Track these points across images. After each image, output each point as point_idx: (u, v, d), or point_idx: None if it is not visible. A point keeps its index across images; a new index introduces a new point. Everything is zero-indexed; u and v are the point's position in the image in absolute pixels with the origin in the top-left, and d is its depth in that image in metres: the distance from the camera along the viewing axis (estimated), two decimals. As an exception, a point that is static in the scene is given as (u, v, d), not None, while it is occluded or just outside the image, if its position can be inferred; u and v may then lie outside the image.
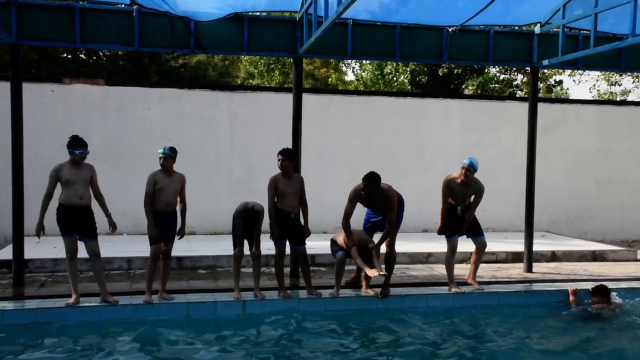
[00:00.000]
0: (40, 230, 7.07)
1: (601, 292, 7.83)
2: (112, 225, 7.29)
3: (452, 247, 8.25)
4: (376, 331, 7.12)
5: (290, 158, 7.80)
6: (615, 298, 7.96)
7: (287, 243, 7.86)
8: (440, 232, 8.37)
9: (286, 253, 7.93)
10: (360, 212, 8.17)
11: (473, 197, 8.34)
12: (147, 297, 7.41)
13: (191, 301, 7.55)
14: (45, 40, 8.60)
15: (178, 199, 7.54)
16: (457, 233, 8.29)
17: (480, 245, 8.41)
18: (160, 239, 7.41)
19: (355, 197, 7.83)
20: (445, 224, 8.31)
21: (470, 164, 8.13)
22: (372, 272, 7.40)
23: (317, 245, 10.36)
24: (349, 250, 7.71)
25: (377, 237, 8.04)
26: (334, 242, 8.06)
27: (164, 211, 7.41)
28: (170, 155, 7.41)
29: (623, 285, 8.61)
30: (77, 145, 7.07)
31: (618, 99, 23.99)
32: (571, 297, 8.07)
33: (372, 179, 7.61)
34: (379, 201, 7.83)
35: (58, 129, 11.15)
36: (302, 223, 7.90)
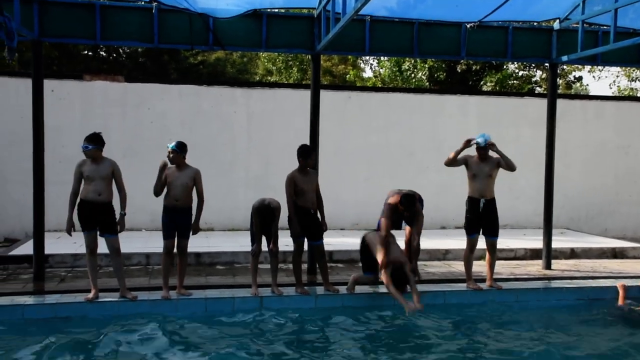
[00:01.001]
0: (70, 227, 7.14)
1: None
2: (121, 226, 7.29)
3: (472, 245, 8.19)
4: (393, 327, 7.10)
5: (303, 156, 7.78)
6: None
7: (305, 240, 7.87)
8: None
9: (304, 250, 7.93)
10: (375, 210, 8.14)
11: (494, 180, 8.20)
12: (164, 293, 7.46)
13: (209, 297, 7.57)
14: (66, 37, 8.67)
15: (194, 193, 7.54)
16: (478, 231, 8.20)
17: (490, 246, 8.22)
18: (171, 234, 7.44)
19: (391, 214, 7.78)
20: (467, 220, 8.22)
21: (484, 141, 8.00)
22: (409, 307, 7.10)
23: (334, 241, 10.40)
24: (382, 267, 7.48)
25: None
26: (364, 250, 7.95)
27: (172, 206, 7.42)
28: (175, 150, 7.41)
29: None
30: (85, 140, 7.12)
31: (639, 95, 23.72)
32: (620, 293, 7.87)
33: (411, 201, 7.68)
34: (410, 216, 7.90)
35: (78, 125, 11.27)
36: (320, 219, 7.91)
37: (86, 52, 23.08)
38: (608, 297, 8.09)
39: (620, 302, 7.82)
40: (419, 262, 9.82)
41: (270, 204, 7.56)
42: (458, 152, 8.10)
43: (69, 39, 8.94)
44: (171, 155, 7.43)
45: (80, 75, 12.23)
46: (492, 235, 8.19)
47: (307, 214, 7.75)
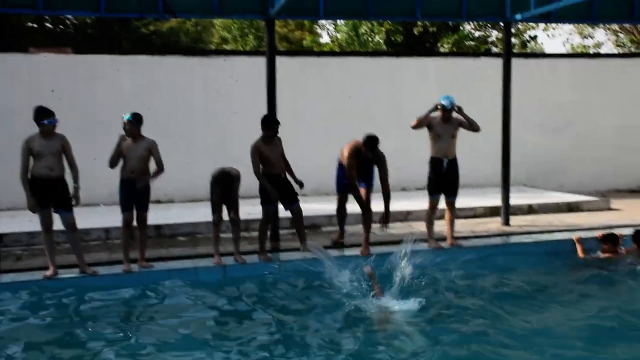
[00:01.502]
0: (33, 206, 6.95)
1: (611, 239, 7.90)
2: (76, 199, 7.15)
3: (433, 205, 8.29)
4: (358, 290, 7.12)
5: (266, 125, 7.79)
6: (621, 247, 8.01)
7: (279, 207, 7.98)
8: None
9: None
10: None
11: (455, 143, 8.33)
12: (125, 267, 7.38)
13: (172, 268, 7.55)
14: (6, 7, 8.36)
15: (152, 165, 7.43)
16: (440, 192, 8.27)
17: (450, 205, 8.34)
18: (129, 206, 7.35)
19: (353, 154, 7.95)
20: (429, 180, 8.30)
21: (450, 104, 8.09)
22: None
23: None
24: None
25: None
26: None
27: (129, 179, 7.31)
28: (131, 121, 7.29)
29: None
30: (44, 115, 6.91)
31: (591, 52, 24.08)
32: (578, 247, 8.13)
33: (374, 140, 7.86)
34: (372, 161, 7.94)
35: (26, 101, 10.91)
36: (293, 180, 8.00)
37: (31, 24, 22.37)
38: (566, 250, 8.31)
39: (580, 254, 8.05)
40: (378, 224, 9.95)
41: (230, 172, 7.51)
42: (427, 115, 8.15)
43: (10, 9, 8.60)
44: (127, 127, 7.30)
45: (26, 48, 11.81)
46: (451, 194, 8.29)
47: (278, 180, 7.81)
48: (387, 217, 8.01)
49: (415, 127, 8.20)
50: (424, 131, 8.36)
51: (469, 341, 5.38)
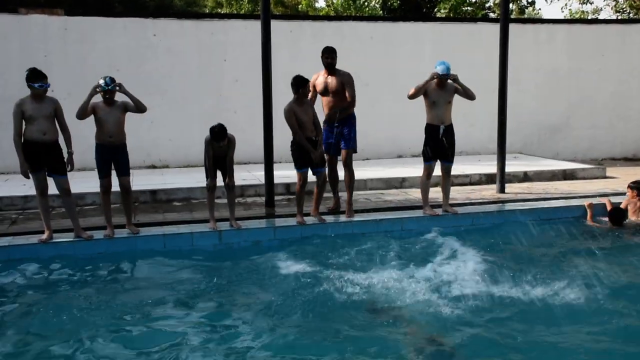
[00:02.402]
0: (26, 170, 6.88)
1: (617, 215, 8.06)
2: (70, 164, 7.09)
3: (429, 171, 8.27)
4: (352, 254, 7.18)
5: (298, 86, 7.81)
6: None
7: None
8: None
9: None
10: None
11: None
12: (107, 232, 7.35)
13: (167, 233, 7.53)
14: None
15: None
16: (436, 158, 8.26)
17: (445, 171, 8.32)
18: (107, 172, 7.28)
19: (312, 81, 8.10)
20: (425, 147, 8.27)
21: (446, 69, 8.01)
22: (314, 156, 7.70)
23: (292, 174, 10.33)
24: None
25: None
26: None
27: (107, 143, 7.22)
28: (110, 89, 7.16)
29: (595, 201, 8.76)
30: (35, 78, 6.80)
31: (589, 18, 23.88)
32: (588, 213, 8.30)
33: (332, 49, 7.98)
34: (337, 78, 7.96)
35: (16, 63, 10.80)
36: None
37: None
38: (561, 217, 8.44)
39: (589, 220, 8.17)
40: (377, 192, 9.98)
41: (222, 125, 7.35)
42: (424, 85, 8.09)
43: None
44: (107, 96, 7.17)
45: (16, 9, 11.58)
46: (447, 160, 8.29)
47: (311, 143, 7.75)
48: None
49: (412, 97, 8.13)
50: (420, 97, 8.29)
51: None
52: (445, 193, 8.41)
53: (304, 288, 6.01)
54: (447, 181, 8.40)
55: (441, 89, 8.10)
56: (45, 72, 6.91)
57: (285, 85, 12.03)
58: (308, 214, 8.08)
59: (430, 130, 8.20)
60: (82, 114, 7.09)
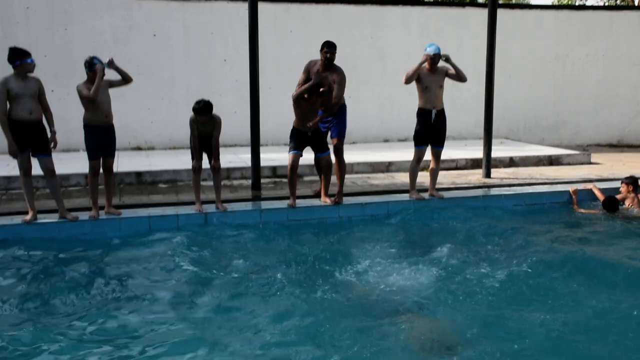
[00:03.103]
0: (15, 151, 6.79)
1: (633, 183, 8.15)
2: (54, 142, 7.02)
3: (419, 156, 8.27)
4: (336, 237, 7.21)
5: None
6: None
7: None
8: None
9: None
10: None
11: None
12: (93, 213, 7.30)
13: (153, 215, 7.49)
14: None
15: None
16: (427, 143, 8.25)
17: (435, 155, 8.32)
18: (99, 153, 7.22)
19: (308, 67, 7.94)
20: (417, 131, 8.25)
21: (437, 49, 8.02)
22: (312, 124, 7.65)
23: (278, 157, 10.35)
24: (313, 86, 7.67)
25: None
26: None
27: (102, 124, 7.16)
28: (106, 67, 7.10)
29: (580, 186, 8.81)
30: (22, 55, 6.70)
31: (577, 4, 23.90)
32: (574, 199, 8.36)
33: (332, 44, 7.76)
34: (331, 74, 7.79)
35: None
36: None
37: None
38: (546, 202, 8.53)
39: (575, 206, 8.27)
40: (363, 175, 9.98)
41: (207, 101, 7.30)
42: (416, 69, 8.04)
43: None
44: (103, 73, 7.06)
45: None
46: (438, 145, 8.29)
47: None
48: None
49: (407, 81, 8.07)
50: (412, 83, 8.25)
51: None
52: (433, 177, 8.42)
53: (289, 270, 6.02)
54: (437, 166, 8.40)
55: (433, 73, 8.08)
56: (29, 53, 6.81)
57: (273, 67, 12.08)
58: (300, 197, 8.07)
59: (423, 114, 8.18)
60: (96, 96, 7.00)
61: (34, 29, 11.38)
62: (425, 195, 8.37)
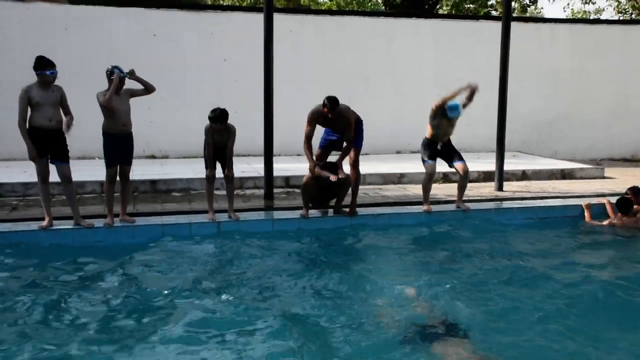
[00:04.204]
0: (35, 156, 6.91)
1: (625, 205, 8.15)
2: (70, 126, 7.03)
3: (429, 171, 8.33)
4: (348, 247, 7.27)
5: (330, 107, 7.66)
6: None
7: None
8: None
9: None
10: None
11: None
12: (108, 220, 7.40)
13: (166, 223, 7.57)
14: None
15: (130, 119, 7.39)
16: (435, 158, 8.35)
17: (461, 170, 8.40)
18: (116, 161, 7.33)
19: (313, 119, 7.87)
20: (424, 154, 8.40)
21: (457, 115, 8.18)
22: (333, 177, 7.59)
23: (290, 167, 10.44)
24: (312, 172, 7.75)
25: (334, 156, 8.17)
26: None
27: (119, 132, 7.26)
28: (126, 76, 7.22)
29: (594, 200, 8.82)
30: (46, 65, 6.83)
31: (591, 18, 23.93)
32: (586, 213, 8.36)
33: (333, 101, 7.63)
34: (338, 122, 7.81)
35: (19, 50, 10.85)
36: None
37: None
38: (558, 216, 8.53)
39: (587, 219, 8.28)
40: (375, 187, 10.04)
41: (222, 109, 7.41)
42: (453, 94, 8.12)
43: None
44: (122, 83, 7.19)
45: (20, -3, 11.64)
46: (457, 159, 8.43)
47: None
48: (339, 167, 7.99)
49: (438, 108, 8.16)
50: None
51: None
52: (460, 190, 8.51)
53: (301, 279, 6.05)
54: (463, 180, 8.46)
55: (448, 122, 8.25)
56: (52, 64, 6.93)
57: (287, 77, 12.18)
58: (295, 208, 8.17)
59: (429, 144, 8.38)
60: (109, 103, 7.09)
61: (52, 34, 11.60)
62: (441, 207, 8.43)
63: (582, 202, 8.68)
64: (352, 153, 8.05)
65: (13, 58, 10.87)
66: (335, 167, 7.86)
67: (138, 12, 12.20)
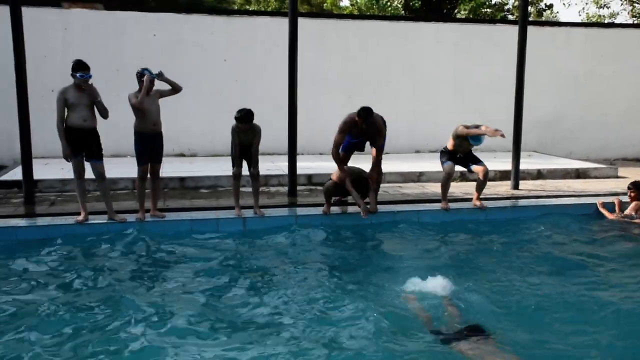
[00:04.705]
0: (69, 155, 7.29)
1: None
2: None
3: (447, 172, 8.54)
4: (369, 241, 7.57)
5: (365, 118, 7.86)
6: None
7: None
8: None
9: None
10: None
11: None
12: (139, 215, 7.72)
13: (194, 218, 7.89)
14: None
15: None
16: (453, 160, 8.61)
17: (481, 172, 8.61)
18: (147, 159, 7.65)
19: (345, 129, 8.07)
20: (443, 154, 8.71)
21: (479, 144, 8.50)
22: (363, 213, 7.95)
23: (313, 165, 10.77)
24: (341, 181, 8.04)
25: (355, 158, 8.46)
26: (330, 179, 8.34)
27: (150, 131, 7.58)
28: (156, 77, 7.55)
29: (608, 200, 8.98)
30: (78, 68, 7.21)
31: (606, 22, 23.98)
32: (603, 211, 8.58)
33: (368, 112, 7.85)
34: (369, 130, 8.04)
35: (60, 54, 11.30)
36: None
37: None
38: (572, 214, 8.72)
39: (608, 216, 8.49)
40: (394, 185, 10.31)
41: (248, 110, 7.70)
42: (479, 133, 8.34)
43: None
44: (151, 84, 7.50)
45: (59, 3, 12.11)
46: (475, 163, 8.69)
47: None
48: (377, 183, 8.31)
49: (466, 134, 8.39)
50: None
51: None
52: (478, 189, 8.74)
53: (321, 273, 6.29)
54: (483, 179, 8.65)
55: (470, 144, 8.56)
56: (86, 67, 7.31)
57: (310, 81, 12.51)
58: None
59: (450, 152, 8.65)
60: (141, 105, 7.45)
61: (90, 38, 12.03)
62: (459, 205, 8.70)
63: (597, 200, 8.89)
64: (374, 151, 8.26)
65: (54, 63, 11.28)
66: (365, 181, 8.12)
67: (169, 17, 12.61)
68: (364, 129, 7.95)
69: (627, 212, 8.44)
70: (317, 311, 5.27)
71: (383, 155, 8.32)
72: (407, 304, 5.38)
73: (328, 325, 4.98)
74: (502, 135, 8.11)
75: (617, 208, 8.59)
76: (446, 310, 5.20)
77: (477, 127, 8.36)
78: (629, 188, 8.66)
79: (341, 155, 8.36)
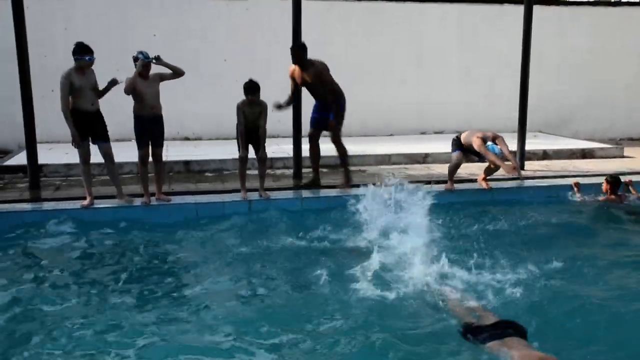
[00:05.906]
0: (79, 141, 7.29)
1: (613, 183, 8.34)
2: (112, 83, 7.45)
3: (456, 160, 8.60)
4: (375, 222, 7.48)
5: None
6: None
7: None
8: None
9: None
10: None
11: None
12: (145, 199, 7.74)
13: (200, 202, 7.92)
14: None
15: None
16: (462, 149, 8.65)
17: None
18: (147, 142, 7.63)
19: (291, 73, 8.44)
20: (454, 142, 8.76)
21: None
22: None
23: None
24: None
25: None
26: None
27: (148, 115, 7.55)
28: (151, 61, 7.49)
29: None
30: (84, 51, 7.19)
31: (612, 0, 23.73)
32: (576, 190, 8.55)
33: (300, 45, 8.26)
34: (313, 74, 8.25)
35: (62, 39, 11.23)
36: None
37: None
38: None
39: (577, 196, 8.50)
40: (400, 166, 10.27)
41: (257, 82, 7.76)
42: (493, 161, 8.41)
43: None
44: (146, 68, 7.45)
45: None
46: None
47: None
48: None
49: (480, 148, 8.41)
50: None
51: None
52: (486, 172, 8.81)
53: (328, 255, 6.29)
54: (493, 168, 8.72)
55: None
56: (90, 50, 7.28)
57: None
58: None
59: (461, 145, 8.67)
60: (130, 90, 7.42)
61: (92, 24, 11.94)
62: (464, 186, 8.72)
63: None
64: (332, 124, 8.41)
65: (56, 46, 11.23)
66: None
67: (170, 2, 12.51)
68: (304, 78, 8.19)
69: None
70: (319, 297, 5.24)
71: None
72: (444, 296, 5.12)
73: (330, 311, 4.96)
74: (518, 174, 8.51)
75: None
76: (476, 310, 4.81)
77: (495, 138, 8.42)
78: (606, 179, 8.46)
79: (310, 131, 8.59)
